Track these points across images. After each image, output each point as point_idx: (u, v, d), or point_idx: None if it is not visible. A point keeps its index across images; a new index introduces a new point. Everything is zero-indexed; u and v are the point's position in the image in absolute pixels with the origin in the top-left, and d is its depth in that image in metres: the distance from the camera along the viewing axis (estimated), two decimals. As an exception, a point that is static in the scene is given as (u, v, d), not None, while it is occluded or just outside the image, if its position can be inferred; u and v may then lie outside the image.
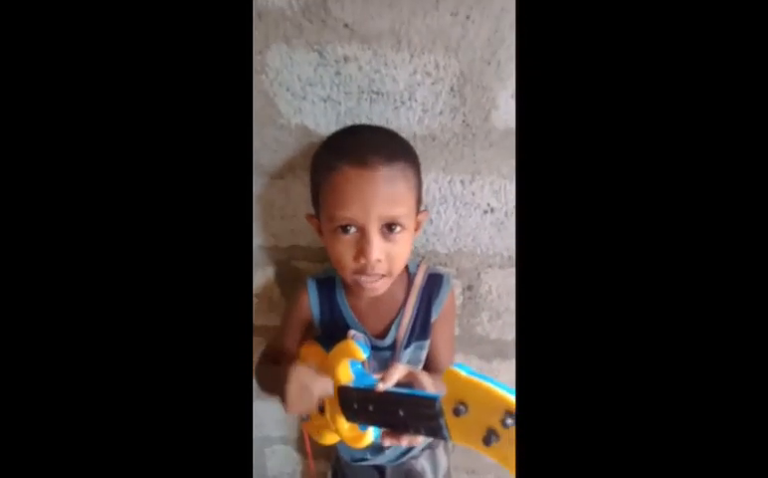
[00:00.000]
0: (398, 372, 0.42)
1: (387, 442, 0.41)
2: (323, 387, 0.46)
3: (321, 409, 0.51)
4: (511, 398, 0.30)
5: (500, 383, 0.32)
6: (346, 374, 0.47)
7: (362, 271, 0.47)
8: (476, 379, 0.32)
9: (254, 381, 0.60)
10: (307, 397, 0.46)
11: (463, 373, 0.33)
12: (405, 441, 0.40)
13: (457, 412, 0.33)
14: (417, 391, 0.40)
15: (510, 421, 0.30)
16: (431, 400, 0.36)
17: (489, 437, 0.31)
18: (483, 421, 0.31)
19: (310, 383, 0.46)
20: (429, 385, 0.42)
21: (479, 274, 0.64)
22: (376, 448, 0.61)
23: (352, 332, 0.54)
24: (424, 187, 0.57)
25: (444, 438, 0.36)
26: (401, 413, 0.39)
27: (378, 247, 0.46)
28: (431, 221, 0.60)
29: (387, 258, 0.47)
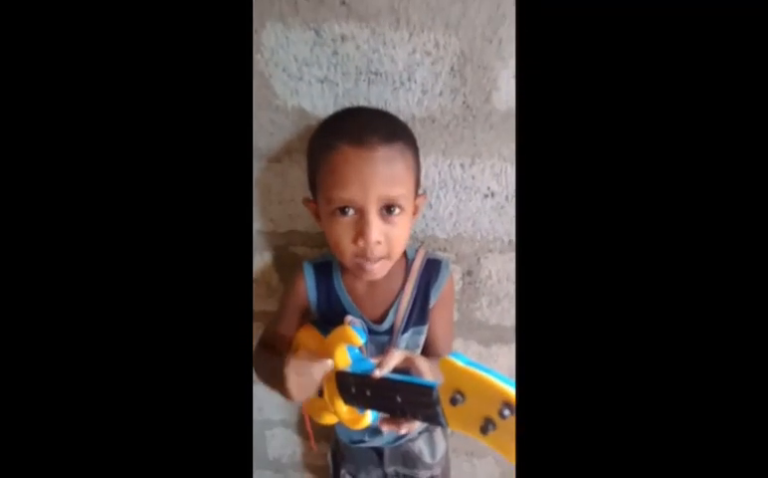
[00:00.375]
0: (394, 358, 0.42)
1: (386, 428, 0.41)
2: (322, 369, 0.46)
3: (320, 392, 0.51)
4: (509, 389, 0.30)
5: (497, 373, 0.32)
6: (344, 359, 0.47)
7: (361, 254, 0.47)
8: (472, 369, 0.32)
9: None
10: (309, 384, 0.46)
11: (459, 363, 0.33)
12: (404, 428, 0.41)
13: (453, 401, 0.33)
14: (414, 379, 0.41)
15: (508, 412, 0.30)
16: (428, 388, 0.36)
17: (487, 426, 0.31)
18: (480, 411, 0.32)
19: (310, 369, 0.46)
20: (426, 370, 0.42)
21: (478, 259, 0.64)
22: (374, 430, 0.62)
23: (349, 317, 0.53)
24: (423, 171, 0.56)
25: (441, 425, 0.36)
26: (398, 399, 0.39)
27: (377, 228, 0.45)
28: (430, 206, 0.59)
29: (386, 240, 0.47)
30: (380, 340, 0.55)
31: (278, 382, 0.46)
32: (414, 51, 0.48)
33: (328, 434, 0.75)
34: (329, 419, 0.54)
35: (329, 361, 0.46)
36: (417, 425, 0.41)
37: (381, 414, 0.43)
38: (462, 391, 0.33)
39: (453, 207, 0.59)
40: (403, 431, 0.41)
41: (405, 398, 0.39)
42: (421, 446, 0.65)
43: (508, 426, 0.30)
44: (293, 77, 0.51)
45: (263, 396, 0.83)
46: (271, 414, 0.85)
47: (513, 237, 0.61)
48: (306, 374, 0.45)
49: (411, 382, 0.39)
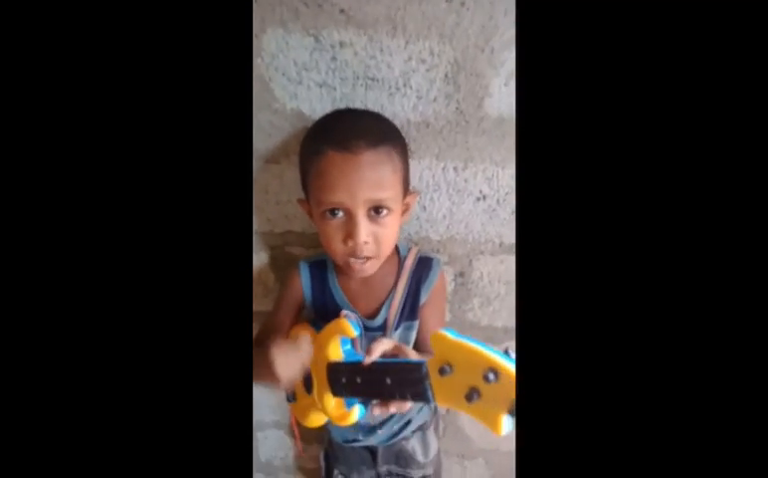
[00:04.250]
0: (383, 345, 0.43)
1: (376, 412, 0.42)
2: (305, 347, 0.47)
3: (309, 388, 0.51)
4: (495, 357, 0.31)
5: (488, 346, 0.32)
6: (336, 352, 0.47)
7: (351, 253, 0.48)
8: (460, 340, 0.33)
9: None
10: (295, 361, 0.46)
11: (449, 336, 0.34)
12: (393, 408, 0.41)
13: (442, 372, 0.34)
14: (403, 359, 0.41)
15: (492, 377, 0.31)
16: (417, 365, 0.37)
17: (471, 395, 0.32)
18: (467, 380, 0.32)
19: (293, 346, 0.46)
20: (413, 356, 0.43)
21: (470, 261, 0.65)
22: (368, 429, 0.62)
23: (345, 311, 0.54)
24: (417, 174, 0.58)
25: (428, 401, 0.36)
26: (388, 381, 0.40)
27: (365, 229, 0.47)
28: (424, 208, 0.61)
29: (375, 240, 0.48)
30: (373, 335, 0.56)
31: (266, 371, 0.46)
32: (410, 58, 0.50)
33: (321, 437, 0.75)
34: (316, 421, 0.54)
35: (306, 338, 0.47)
36: (407, 405, 0.41)
37: (371, 403, 0.44)
38: (450, 363, 0.34)
39: (446, 210, 0.61)
40: (393, 410, 0.41)
41: (395, 379, 0.39)
42: (414, 445, 0.66)
43: (492, 393, 0.31)
44: (293, 81, 0.52)
45: (255, 398, 0.83)
46: (263, 416, 0.85)
47: (505, 239, 0.63)
48: (291, 351, 0.46)
49: (400, 362, 0.40)
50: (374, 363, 0.42)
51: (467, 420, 0.82)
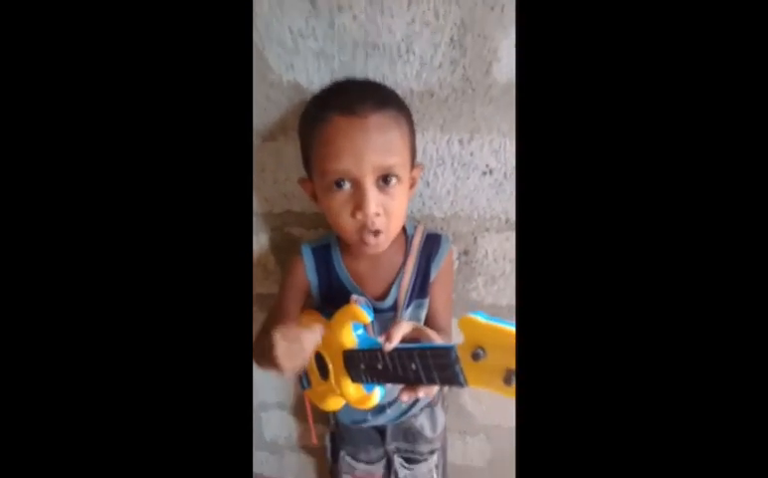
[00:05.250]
0: (402, 328, 0.41)
1: (405, 398, 0.41)
2: (312, 337, 0.44)
3: (325, 376, 0.50)
4: None
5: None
6: (350, 338, 0.46)
7: (362, 227, 0.46)
8: (493, 323, 0.33)
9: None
10: (298, 351, 0.43)
11: (481, 319, 0.33)
12: (422, 393, 0.40)
13: (476, 357, 0.33)
14: (429, 344, 0.40)
15: None
16: (446, 350, 0.36)
17: (510, 377, 0.31)
18: (503, 362, 0.32)
19: (299, 335, 0.43)
20: (436, 337, 0.42)
21: (475, 238, 0.64)
22: (378, 409, 0.62)
23: (355, 296, 0.53)
24: (421, 148, 0.55)
25: (461, 385, 0.36)
26: (413, 367, 0.39)
27: (375, 199, 0.44)
28: (427, 184, 0.59)
29: (385, 212, 0.46)
30: (384, 317, 0.55)
31: (270, 356, 0.43)
32: (413, 20, 0.47)
33: (325, 416, 0.75)
34: (334, 404, 0.53)
35: (319, 328, 0.45)
36: (435, 389, 0.41)
37: (394, 387, 0.43)
38: (483, 346, 0.33)
39: (450, 185, 0.59)
40: (422, 395, 0.40)
41: (421, 364, 0.39)
42: (423, 421, 0.66)
43: None
44: (289, 50, 0.49)
45: (259, 379, 0.82)
46: (267, 397, 0.85)
47: (511, 215, 0.61)
48: (296, 341, 0.43)
49: (427, 347, 0.39)
50: (397, 349, 0.40)
51: (468, 398, 0.82)
